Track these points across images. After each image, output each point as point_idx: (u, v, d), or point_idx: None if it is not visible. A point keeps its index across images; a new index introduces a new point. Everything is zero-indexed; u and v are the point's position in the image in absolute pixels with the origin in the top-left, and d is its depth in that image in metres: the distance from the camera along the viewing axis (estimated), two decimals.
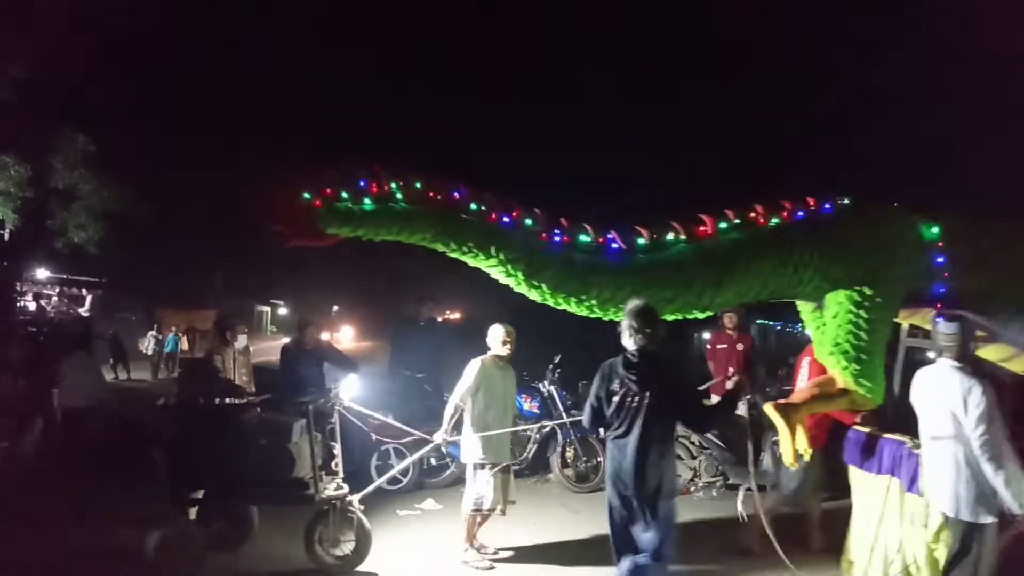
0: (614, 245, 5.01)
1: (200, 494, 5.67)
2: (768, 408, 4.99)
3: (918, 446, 4.59)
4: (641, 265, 4.97)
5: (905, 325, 5.96)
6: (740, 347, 8.71)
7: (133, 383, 19.73)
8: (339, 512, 5.61)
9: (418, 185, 4.79)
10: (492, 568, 5.95)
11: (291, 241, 4.67)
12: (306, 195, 4.51)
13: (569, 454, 8.52)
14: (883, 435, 5.14)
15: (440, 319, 11.58)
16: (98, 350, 15.46)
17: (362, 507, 5.78)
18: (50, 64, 17.21)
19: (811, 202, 5.18)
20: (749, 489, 5.82)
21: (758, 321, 16.49)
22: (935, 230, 5.12)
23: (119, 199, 21.52)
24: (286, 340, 9.31)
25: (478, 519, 6.04)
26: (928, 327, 5.18)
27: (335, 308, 44.05)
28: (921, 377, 4.44)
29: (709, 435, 8.08)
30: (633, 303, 4.38)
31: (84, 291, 30.46)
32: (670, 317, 5.08)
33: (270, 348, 19.10)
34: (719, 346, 8.85)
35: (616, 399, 4.29)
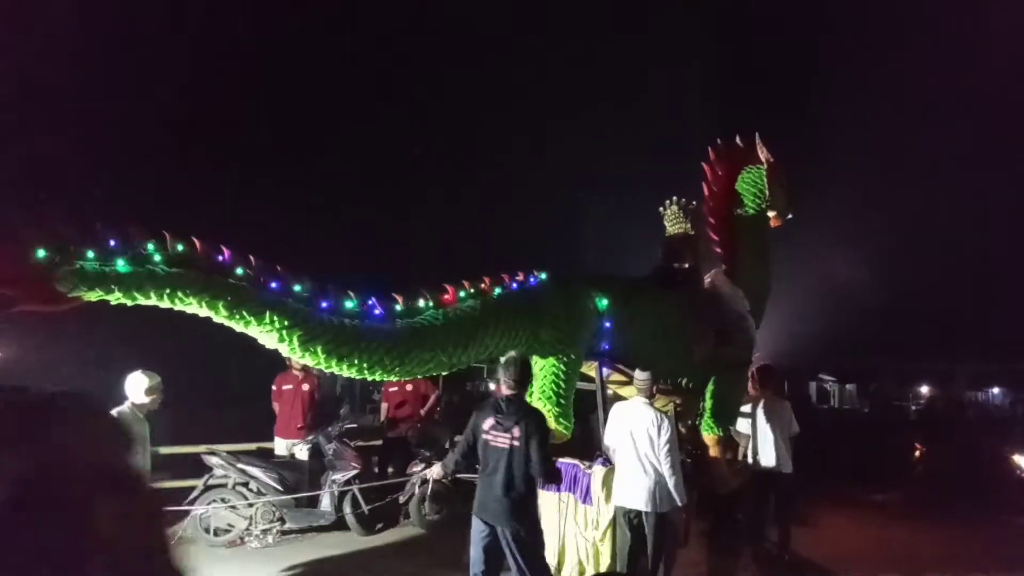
0: (376, 311, 5.29)
1: None
2: None
3: (589, 467, 5.99)
4: (401, 329, 5.32)
5: None
6: (306, 387, 8.65)
7: None
8: None
9: (180, 248, 4.58)
10: None
11: (19, 306, 4.05)
12: (41, 252, 4.08)
13: None
14: (559, 459, 6.00)
15: None
16: None
17: None
18: None
19: (520, 276, 6.00)
20: None
21: None
22: (605, 302, 6.28)
23: None
24: None
25: None
26: (591, 374, 6.49)
27: None
28: (620, 410, 5.80)
29: (268, 479, 7.32)
30: (509, 353, 4.96)
31: None
32: (420, 374, 5.72)
33: None
34: (284, 387, 8.65)
35: (485, 438, 4.75)
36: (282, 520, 7.57)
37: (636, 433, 5.57)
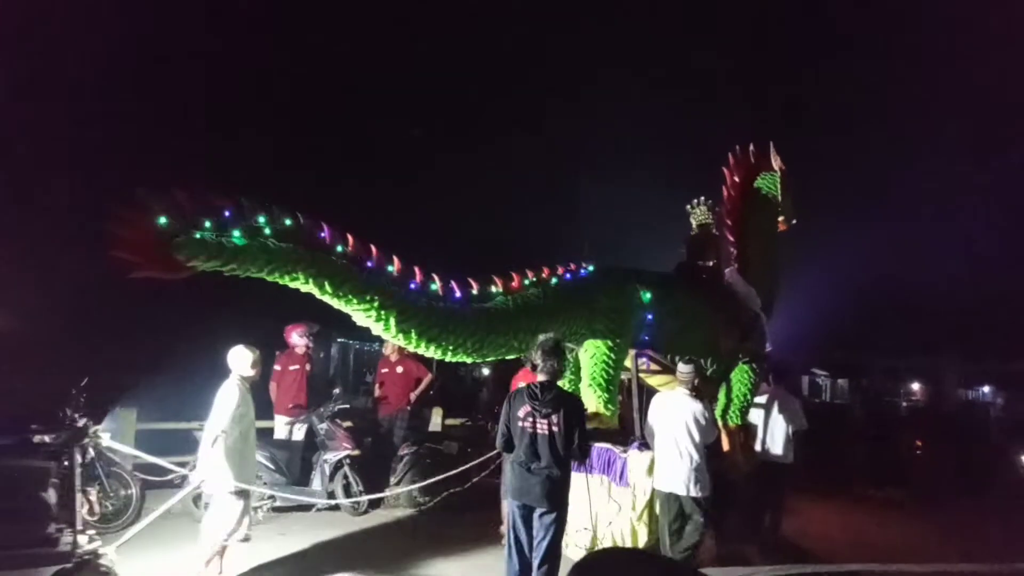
0: (455, 294, 5.44)
1: None
2: None
3: (625, 451, 6.26)
4: (480, 313, 5.49)
5: None
6: (308, 367, 8.69)
7: None
8: (90, 570, 4.51)
9: (288, 222, 4.65)
10: None
11: (141, 272, 4.08)
12: (162, 221, 4.15)
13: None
14: (594, 444, 6.27)
15: None
16: None
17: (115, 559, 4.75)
18: None
19: (572, 267, 6.25)
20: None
21: (339, 340, 16.62)
22: (648, 296, 6.56)
23: None
24: None
25: (225, 549, 5.49)
26: (627, 364, 6.70)
27: None
28: (661, 400, 6.03)
29: (259, 457, 7.27)
30: (542, 338, 4.81)
31: None
32: (493, 358, 5.78)
33: None
34: (291, 367, 8.58)
35: (522, 425, 4.64)
36: (272, 498, 7.49)
37: (675, 422, 5.84)
